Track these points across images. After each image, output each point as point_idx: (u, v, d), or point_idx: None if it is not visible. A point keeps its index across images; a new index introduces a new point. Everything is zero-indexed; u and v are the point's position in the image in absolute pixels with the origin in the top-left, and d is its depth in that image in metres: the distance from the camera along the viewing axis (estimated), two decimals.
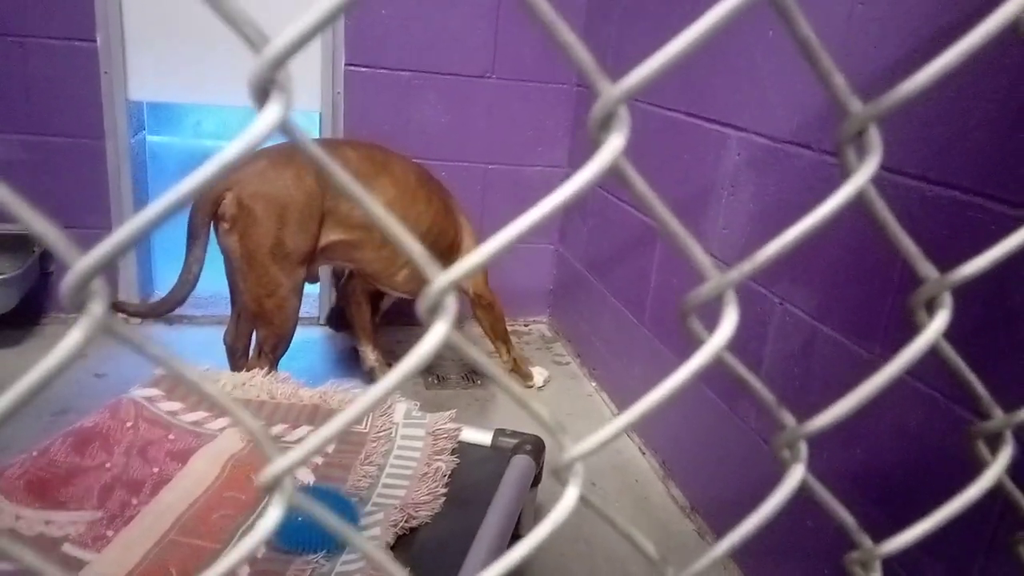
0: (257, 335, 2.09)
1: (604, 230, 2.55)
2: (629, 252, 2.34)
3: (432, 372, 2.58)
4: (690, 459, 1.99)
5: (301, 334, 2.75)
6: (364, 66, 2.61)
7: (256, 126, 0.19)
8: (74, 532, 1.31)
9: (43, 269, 2.56)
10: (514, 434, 1.73)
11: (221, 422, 1.70)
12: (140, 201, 2.67)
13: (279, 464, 0.21)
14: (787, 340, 1.56)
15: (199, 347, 2.55)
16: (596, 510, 0.28)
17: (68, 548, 1.28)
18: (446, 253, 2.29)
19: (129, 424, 1.61)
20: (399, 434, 1.70)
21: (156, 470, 1.51)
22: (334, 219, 2.05)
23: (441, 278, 0.21)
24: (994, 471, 0.32)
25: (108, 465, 1.50)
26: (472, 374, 2.61)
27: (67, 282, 0.19)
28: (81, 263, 0.18)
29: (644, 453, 2.22)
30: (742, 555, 1.73)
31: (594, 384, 2.63)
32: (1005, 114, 1.10)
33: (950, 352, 0.30)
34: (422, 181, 2.24)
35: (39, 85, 2.40)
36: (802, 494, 0.32)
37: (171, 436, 1.62)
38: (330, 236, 2.07)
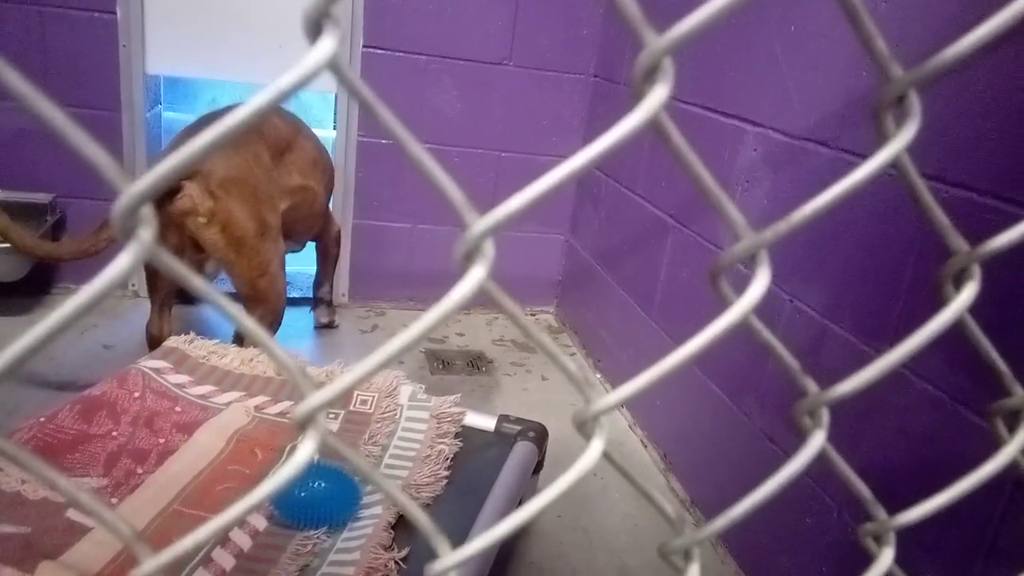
0: (252, 316, 2.08)
1: (615, 222, 2.55)
2: (640, 245, 2.34)
3: (437, 357, 2.59)
4: (692, 454, 2.00)
5: (304, 316, 2.77)
6: (381, 48, 2.61)
7: (308, 60, 0.19)
8: None
9: (54, 238, 2.56)
10: (518, 420, 1.74)
11: (228, 396, 1.71)
12: None
13: (314, 399, 0.22)
14: (796, 338, 1.56)
15: (211, 323, 2.57)
16: (617, 466, 0.28)
17: (72, 514, 1.29)
18: (325, 211, 2.52)
19: (137, 394, 1.62)
20: (404, 416, 1.71)
21: (162, 441, 1.52)
22: (279, 189, 2.13)
23: (480, 223, 0.22)
24: (1011, 449, 0.32)
25: (115, 434, 1.52)
26: (477, 360, 2.62)
27: (118, 206, 0.19)
28: (132, 188, 0.19)
29: (646, 446, 2.22)
30: (741, 551, 1.73)
31: (599, 375, 2.64)
32: (1023, 117, 1.10)
33: (974, 327, 0.30)
34: (317, 140, 2.41)
35: (57, 55, 2.41)
36: (820, 464, 0.32)
37: (178, 408, 1.63)
38: (280, 205, 2.14)
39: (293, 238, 2.40)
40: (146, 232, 0.19)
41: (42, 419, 1.47)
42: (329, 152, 2.51)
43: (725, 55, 1.88)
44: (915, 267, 1.28)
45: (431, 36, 2.63)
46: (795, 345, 1.57)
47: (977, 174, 1.16)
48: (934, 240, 1.24)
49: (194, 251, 1.95)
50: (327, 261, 2.72)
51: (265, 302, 2.06)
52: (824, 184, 0.25)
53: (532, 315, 3.12)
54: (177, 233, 1.91)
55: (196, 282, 0.21)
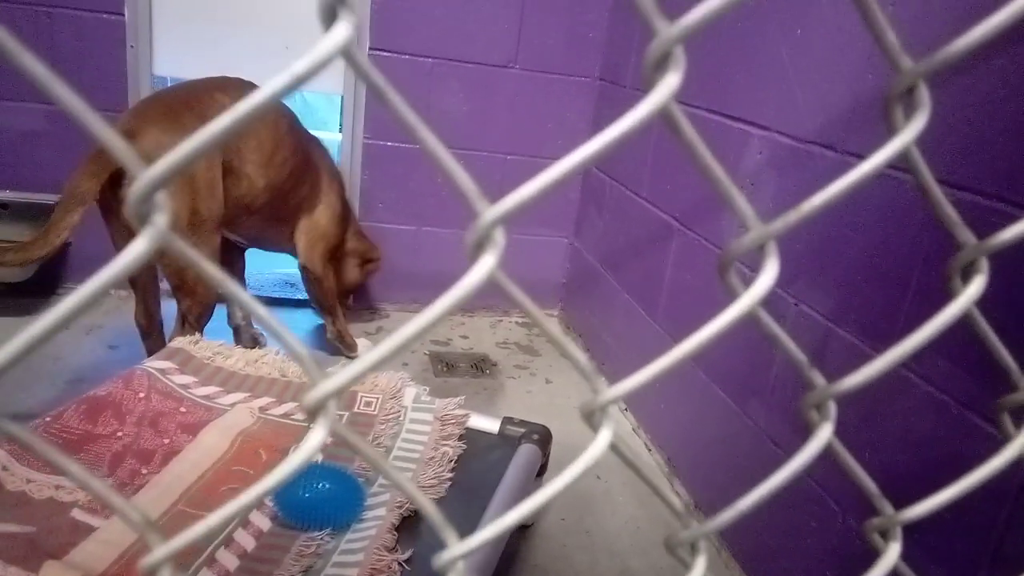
0: (180, 306, 2.04)
1: (620, 225, 2.55)
2: (644, 248, 2.34)
3: (441, 360, 2.59)
4: (696, 458, 1.99)
5: (306, 318, 2.77)
6: (388, 51, 2.62)
7: (322, 46, 0.19)
8: (83, 498, 1.32)
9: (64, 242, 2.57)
10: (522, 423, 1.74)
11: (232, 397, 1.71)
12: None
13: (324, 387, 0.22)
14: (801, 341, 1.55)
15: None
16: (624, 458, 0.28)
17: (77, 513, 1.29)
18: (303, 204, 2.33)
19: (142, 395, 1.63)
20: (408, 418, 1.71)
21: (167, 441, 1.53)
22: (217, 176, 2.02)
23: (491, 211, 0.22)
24: (1018, 443, 0.32)
25: (120, 434, 1.52)
26: (481, 363, 2.62)
27: (133, 191, 0.19)
28: (148, 172, 0.19)
29: (650, 450, 2.22)
30: (744, 556, 1.73)
31: (603, 379, 2.63)
32: None
33: (982, 321, 0.30)
34: (291, 127, 2.25)
35: (65, 56, 2.42)
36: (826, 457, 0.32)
37: (183, 408, 1.63)
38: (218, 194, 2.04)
39: (231, 229, 2.21)
40: (161, 218, 0.19)
41: (47, 419, 1.48)
42: (299, 135, 2.30)
43: (731, 58, 1.88)
44: (921, 271, 1.27)
45: (437, 39, 2.63)
46: (800, 348, 1.56)
47: (982, 177, 1.16)
48: (941, 244, 1.24)
49: (130, 235, 1.94)
50: (320, 306, 2.52)
51: (193, 294, 2.02)
52: None
53: None
54: (116, 218, 1.95)
55: (208, 267, 0.21)
